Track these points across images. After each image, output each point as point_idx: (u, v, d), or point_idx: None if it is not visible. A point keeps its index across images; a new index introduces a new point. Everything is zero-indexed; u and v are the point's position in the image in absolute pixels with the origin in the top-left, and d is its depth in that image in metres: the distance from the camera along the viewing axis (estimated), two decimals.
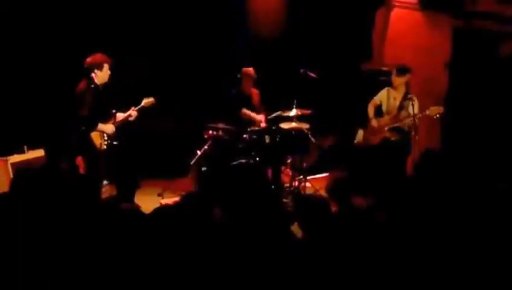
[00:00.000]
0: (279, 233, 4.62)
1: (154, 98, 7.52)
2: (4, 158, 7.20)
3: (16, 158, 7.27)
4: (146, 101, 7.47)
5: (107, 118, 7.17)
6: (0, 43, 7.98)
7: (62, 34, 8.25)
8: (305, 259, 4.21)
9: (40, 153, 7.58)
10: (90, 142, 7.03)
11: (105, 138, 7.09)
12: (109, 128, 7.11)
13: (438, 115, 7.70)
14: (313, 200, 4.87)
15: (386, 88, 8.11)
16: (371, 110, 8.19)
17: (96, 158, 7.08)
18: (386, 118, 8.04)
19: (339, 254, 4.23)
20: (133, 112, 7.35)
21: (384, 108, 8.09)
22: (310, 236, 4.47)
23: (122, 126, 7.31)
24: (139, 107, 7.42)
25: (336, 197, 4.99)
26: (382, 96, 8.13)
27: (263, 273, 4.09)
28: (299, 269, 4.14)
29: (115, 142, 7.20)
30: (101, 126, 7.06)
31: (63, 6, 8.28)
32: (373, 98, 8.21)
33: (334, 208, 5.02)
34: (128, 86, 8.09)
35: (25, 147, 7.53)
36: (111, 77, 7.10)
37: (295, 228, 4.76)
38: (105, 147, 7.10)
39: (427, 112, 7.69)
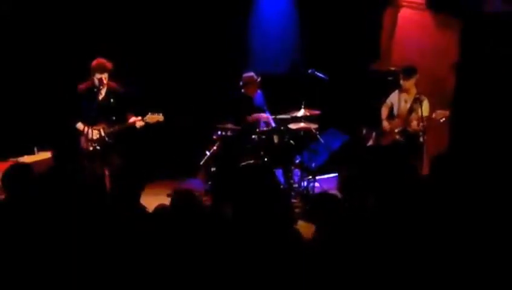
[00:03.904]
0: (286, 233, 4.64)
1: (162, 114, 7.49)
2: (14, 160, 7.23)
3: (26, 159, 7.30)
4: (151, 117, 7.46)
5: (97, 121, 7.27)
6: (15, 45, 8.05)
7: (76, 37, 8.31)
8: (314, 258, 4.22)
9: (50, 154, 7.63)
10: (76, 141, 7.31)
11: (93, 141, 7.28)
12: (90, 132, 7.23)
13: (444, 119, 7.71)
14: (325, 198, 4.88)
15: (397, 90, 8.10)
16: (383, 112, 8.19)
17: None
18: (397, 121, 8.04)
19: (349, 252, 4.24)
20: (139, 122, 7.40)
21: (395, 110, 8.08)
22: (320, 234, 4.49)
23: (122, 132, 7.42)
24: (145, 119, 7.44)
25: (348, 195, 5.00)
26: (393, 99, 8.12)
27: (270, 271, 4.11)
28: (307, 268, 4.15)
29: (98, 147, 7.32)
30: (79, 126, 7.31)
31: (74, 11, 8.33)
32: (386, 100, 8.22)
33: (345, 206, 5.04)
34: (135, 88, 8.11)
35: (35, 149, 7.57)
36: (102, 82, 7.21)
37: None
38: (91, 149, 7.29)
39: (433, 116, 7.71)
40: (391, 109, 8.17)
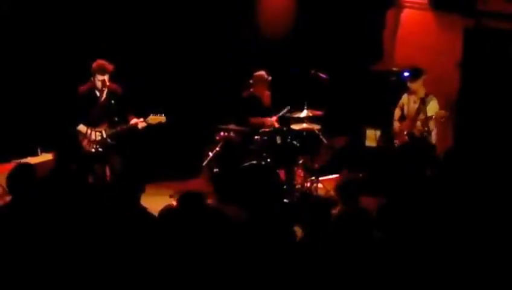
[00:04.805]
0: (286, 233, 4.66)
1: (164, 115, 7.48)
2: (17, 161, 7.22)
3: (29, 161, 7.30)
4: (153, 118, 7.43)
5: (99, 122, 7.25)
6: (15, 46, 8.06)
7: (77, 37, 8.31)
8: (306, 260, 4.23)
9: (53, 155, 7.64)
10: (78, 143, 7.25)
11: (95, 143, 7.25)
12: (92, 134, 7.21)
13: (443, 119, 7.73)
14: (318, 202, 4.89)
15: (406, 93, 8.10)
16: (396, 114, 8.17)
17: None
18: (406, 122, 8.02)
19: (339, 255, 4.24)
20: (141, 123, 7.39)
21: (405, 112, 8.06)
22: (311, 237, 4.49)
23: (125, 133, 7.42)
24: (147, 120, 7.43)
25: (343, 198, 5.02)
26: (404, 100, 8.10)
27: (266, 272, 4.12)
28: (300, 269, 4.16)
29: (100, 149, 7.28)
30: (82, 128, 7.25)
31: (75, 11, 8.34)
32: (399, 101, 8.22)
33: (339, 209, 5.05)
34: (137, 88, 8.10)
35: (39, 149, 7.58)
36: (104, 84, 7.19)
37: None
38: (93, 150, 7.24)
39: (433, 116, 7.73)
40: (403, 110, 8.16)
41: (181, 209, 4.70)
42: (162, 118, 7.44)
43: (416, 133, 7.89)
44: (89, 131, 7.19)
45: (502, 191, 5.33)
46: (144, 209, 5.03)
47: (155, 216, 4.92)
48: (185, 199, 4.73)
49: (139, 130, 7.42)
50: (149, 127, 7.45)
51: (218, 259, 4.21)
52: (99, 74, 7.16)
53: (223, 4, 9.08)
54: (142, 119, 7.39)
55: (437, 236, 4.49)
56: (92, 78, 7.24)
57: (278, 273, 4.12)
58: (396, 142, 8.13)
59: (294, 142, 8.19)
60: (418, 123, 7.84)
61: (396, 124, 8.15)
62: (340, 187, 5.18)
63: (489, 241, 4.49)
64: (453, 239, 4.49)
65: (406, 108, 8.09)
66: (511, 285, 4.17)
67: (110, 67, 7.20)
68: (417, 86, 7.92)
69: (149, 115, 7.42)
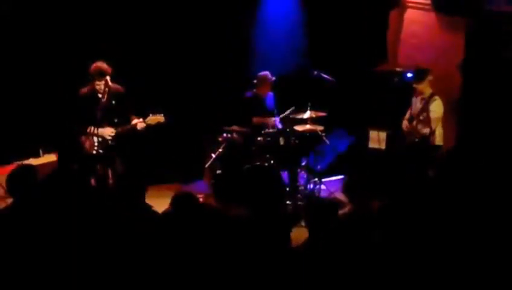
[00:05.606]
0: (283, 235, 4.66)
1: (163, 115, 7.43)
2: (19, 163, 7.23)
3: (32, 162, 7.31)
4: (152, 119, 7.40)
5: (101, 123, 7.25)
6: (15, 46, 8.07)
7: (77, 37, 8.32)
8: (308, 261, 4.23)
9: (55, 156, 7.65)
10: (80, 145, 7.23)
11: (96, 144, 7.23)
12: (106, 131, 7.22)
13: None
14: (321, 204, 4.89)
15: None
16: (407, 113, 8.15)
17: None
18: (414, 123, 8.00)
19: (344, 256, 4.23)
20: (140, 124, 7.37)
21: (412, 112, 8.04)
22: (316, 238, 4.48)
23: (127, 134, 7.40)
24: (146, 121, 7.39)
25: (353, 198, 5.01)
26: (413, 100, 8.09)
27: (262, 273, 4.12)
28: (304, 270, 4.16)
29: (100, 150, 7.28)
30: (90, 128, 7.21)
31: (75, 11, 8.35)
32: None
33: (348, 209, 5.04)
34: (140, 89, 8.10)
35: (40, 151, 7.58)
36: (107, 84, 7.15)
37: None
38: (94, 152, 7.24)
39: (421, 118, 7.78)
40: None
41: (174, 210, 4.71)
42: (160, 118, 7.40)
43: (417, 133, 7.87)
44: (95, 130, 7.20)
45: (503, 191, 5.32)
46: (149, 207, 5.05)
47: (160, 214, 4.95)
48: (176, 200, 4.75)
49: (139, 130, 7.39)
50: (151, 128, 7.42)
51: (215, 258, 4.21)
52: (98, 77, 7.10)
53: (223, 4, 9.08)
54: (141, 120, 7.36)
55: (438, 236, 4.48)
56: (91, 80, 7.16)
57: (274, 274, 4.12)
58: (405, 142, 8.12)
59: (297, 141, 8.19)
60: (420, 123, 7.82)
61: (404, 123, 8.14)
62: (348, 188, 5.17)
63: (491, 242, 4.48)
64: (454, 239, 4.47)
65: (413, 108, 8.09)
66: (511, 285, 4.16)
67: (108, 68, 7.12)
68: (423, 86, 7.92)
69: (148, 115, 7.41)
